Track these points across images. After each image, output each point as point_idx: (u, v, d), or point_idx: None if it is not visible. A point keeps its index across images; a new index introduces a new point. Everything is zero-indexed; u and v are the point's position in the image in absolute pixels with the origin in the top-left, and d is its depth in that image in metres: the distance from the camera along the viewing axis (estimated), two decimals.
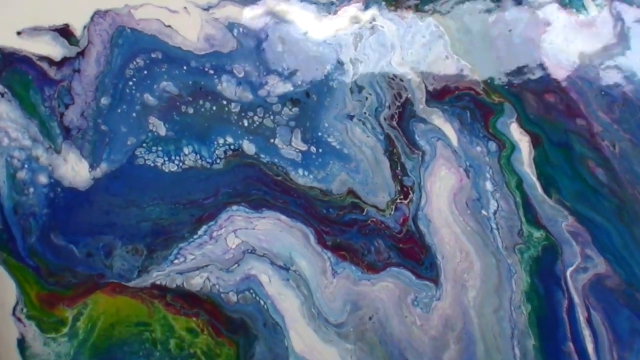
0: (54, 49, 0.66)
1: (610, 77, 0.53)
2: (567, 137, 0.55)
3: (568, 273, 0.55)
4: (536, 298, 0.56)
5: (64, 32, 0.65)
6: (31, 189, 0.66)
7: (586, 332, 0.55)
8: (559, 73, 0.55)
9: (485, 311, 0.57)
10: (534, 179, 0.56)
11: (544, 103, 0.55)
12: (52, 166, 0.66)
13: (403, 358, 0.59)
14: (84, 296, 0.66)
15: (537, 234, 0.56)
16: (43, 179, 0.66)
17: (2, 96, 0.67)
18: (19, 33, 0.66)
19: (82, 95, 0.65)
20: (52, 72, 0.66)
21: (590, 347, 0.55)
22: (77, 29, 0.65)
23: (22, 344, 0.67)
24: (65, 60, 0.65)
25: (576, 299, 0.55)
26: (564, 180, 0.55)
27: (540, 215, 0.56)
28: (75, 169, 0.65)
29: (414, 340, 0.58)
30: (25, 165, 0.66)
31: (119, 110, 0.64)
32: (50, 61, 0.66)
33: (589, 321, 0.55)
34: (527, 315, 0.56)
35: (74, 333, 0.66)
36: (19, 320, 0.67)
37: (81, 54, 0.65)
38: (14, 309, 0.67)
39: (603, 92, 0.54)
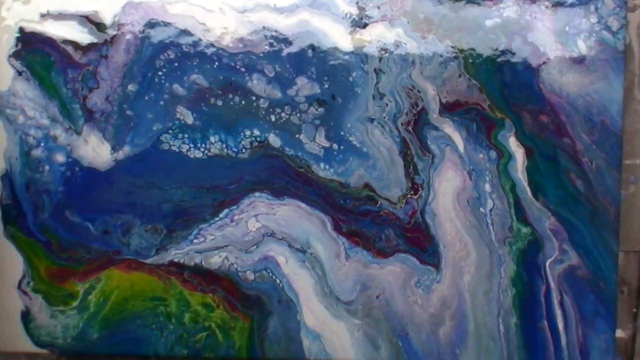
0: (80, 34, 0.69)
1: (592, 107, 0.67)
2: (555, 152, 0.67)
3: (547, 263, 0.68)
4: (520, 283, 0.69)
5: (92, 18, 0.69)
6: (47, 167, 0.70)
7: (558, 313, 0.68)
8: (552, 99, 0.67)
9: (477, 293, 0.69)
10: (525, 184, 0.68)
11: (538, 122, 0.67)
12: (71, 146, 0.70)
13: (404, 332, 0.70)
14: (97, 271, 0.71)
15: (525, 230, 0.68)
16: (60, 157, 0.70)
17: (20, 74, 0.69)
18: (42, 15, 0.68)
19: (108, 81, 0.69)
20: (77, 56, 0.69)
21: (560, 325, 0.69)
22: (106, 17, 0.69)
23: (26, 316, 0.71)
24: (91, 46, 0.69)
25: (552, 285, 0.68)
26: (550, 187, 0.68)
27: (528, 215, 0.68)
28: (96, 150, 0.69)
29: (415, 317, 0.69)
30: (42, 144, 0.70)
31: (146, 98, 0.69)
32: (75, 45, 0.69)
33: (561, 304, 0.68)
34: (511, 298, 0.69)
35: (85, 306, 0.71)
36: (25, 293, 0.71)
37: (110, 41, 0.69)
38: (20, 282, 0.71)
39: (586, 118, 0.67)
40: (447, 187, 0.69)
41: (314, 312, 0.70)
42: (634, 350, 0.75)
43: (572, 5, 0.66)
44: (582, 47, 0.67)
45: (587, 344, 0.68)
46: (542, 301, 0.69)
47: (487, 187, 0.68)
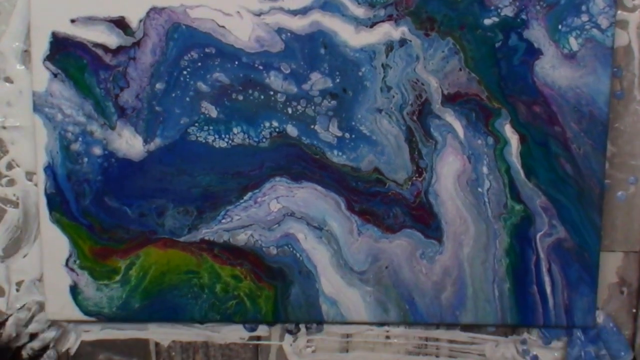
0: (109, 38, 0.81)
1: (581, 98, 0.79)
2: (546, 139, 0.80)
3: (538, 237, 0.83)
4: (513, 254, 0.83)
5: (120, 23, 0.80)
6: (85, 159, 0.83)
7: (547, 279, 0.83)
8: (545, 91, 0.79)
9: (475, 263, 0.84)
10: (519, 167, 0.81)
11: (531, 112, 0.80)
12: (106, 140, 0.83)
13: (411, 297, 0.86)
14: (136, 249, 0.86)
15: (518, 207, 0.82)
16: (97, 150, 0.83)
17: (55, 76, 0.82)
18: (73, 21, 0.81)
19: (137, 80, 0.81)
20: (107, 58, 0.81)
21: (548, 289, 0.84)
22: (132, 21, 0.80)
23: (74, 289, 0.87)
24: (120, 49, 0.81)
25: (542, 255, 0.83)
26: (541, 170, 0.81)
27: (521, 194, 0.82)
28: (129, 143, 0.83)
29: (420, 284, 0.85)
30: (80, 139, 0.83)
31: (173, 95, 0.82)
32: (105, 48, 0.81)
33: (550, 271, 0.83)
34: (505, 266, 0.84)
35: (126, 280, 0.87)
36: (72, 270, 0.86)
37: (137, 44, 0.81)
38: (67, 260, 0.86)
39: (575, 109, 0.79)
40: (448, 170, 0.82)
41: (330, 281, 0.86)
42: (634, 350, 0.89)
43: (565, 5, 0.78)
44: (573, 44, 0.79)
45: (572, 306, 0.84)
46: (532, 269, 0.84)
47: (485, 169, 0.82)
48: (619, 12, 0.81)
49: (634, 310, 0.89)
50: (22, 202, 0.88)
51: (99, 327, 0.91)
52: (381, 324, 0.89)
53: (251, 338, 0.91)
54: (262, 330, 0.91)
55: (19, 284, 0.90)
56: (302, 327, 0.90)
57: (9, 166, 0.87)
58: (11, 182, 0.88)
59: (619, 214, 0.86)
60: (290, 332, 0.91)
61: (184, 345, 0.92)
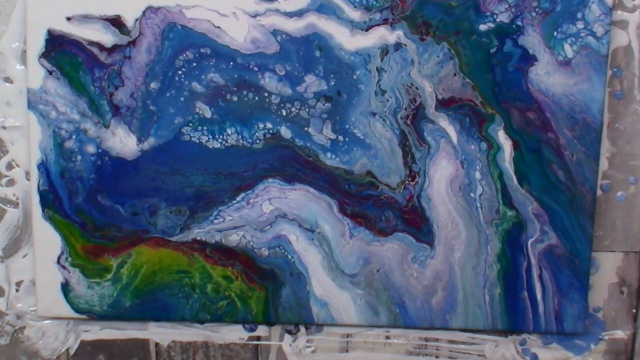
0: (105, 36, 0.81)
1: (575, 105, 0.80)
2: (539, 145, 0.81)
3: (529, 242, 0.83)
4: (504, 259, 0.84)
5: (115, 22, 0.81)
6: (79, 157, 0.84)
7: (537, 285, 0.84)
8: (539, 97, 0.80)
9: (466, 268, 0.85)
10: (512, 173, 0.82)
11: (525, 118, 0.80)
12: (100, 138, 0.84)
13: (401, 301, 0.87)
14: (128, 248, 0.87)
15: (510, 213, 0.83)
16: (91, 148, 0.84)
17: (51, 74, 0.82)
18: (68, 19, 0.81)
19: (132, 79, 0.82)
20: (102, 57, 0.82)
21: (539, 295, 0.85)
22: (128, 20, 0.81)
23: (65, 287, 0.88)
24: (116, 47, 0.82)
25: (533, 261, 0.83)
26: (534, 176, 0.82)
27: (513, 200, 0.83)
28: (123, 142, 0.83)
29: (411, 288, 0.86)
30: (73, 136, 0.84)
31: (167, 94, 0.82)
32: (100, 47, 0.82)
33: (540, 277, 0.84)
34: (496, 272, 0.84)
35: (118, 278, 0.87)
36: (64, 267, 0.87)
37: (132, 43, 0.81)
38: (59, 258, 0.87)
39: (569, 115, 0.80)
40: (441, 174, 0.83)
41: (321, 283, 0.86)
42: (634, 350, 0.90)
43: (560, 12, 0.79)
44: (568, 51, 0.79)
45: (562, 312, 0.85)
46: (523, 275, 0.85)
47: (478, 174, 0.83)
48: (618, 12, 0.81)
49: (634, 310, 0.89)
50: (22, 202, 0.88)
51: (98, 326, 0.92)
52: (371, 327, 0.89)
53: (251, 338, 0.92)
54: (261, 330, 0.92)
55: (18, 284, 0.91)
56: (302, 327, 0.91)
57: (9, 166, 0.88)
58: (11, 182, 0.88)
59: (619, 214, 0.87)
60: (289, 332, 0.91)
61: (184, 345, 0.92)
